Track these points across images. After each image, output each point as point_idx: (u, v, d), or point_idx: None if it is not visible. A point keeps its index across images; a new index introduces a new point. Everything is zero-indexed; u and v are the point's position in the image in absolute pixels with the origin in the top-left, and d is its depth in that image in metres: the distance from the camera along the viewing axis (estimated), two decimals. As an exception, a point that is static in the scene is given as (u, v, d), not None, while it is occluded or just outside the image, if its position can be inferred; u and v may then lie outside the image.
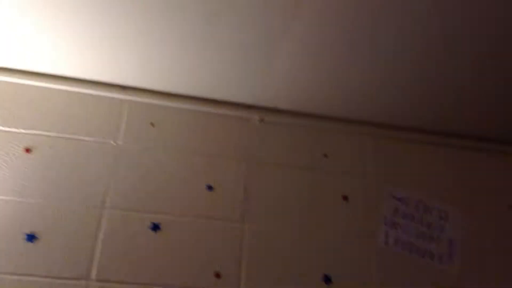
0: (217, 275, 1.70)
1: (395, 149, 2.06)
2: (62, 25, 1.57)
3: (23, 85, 1.83)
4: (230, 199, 1.83)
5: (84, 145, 1.80)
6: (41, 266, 1.60)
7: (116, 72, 1.82)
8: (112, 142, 1.83)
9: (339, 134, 2.04)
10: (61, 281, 1.59)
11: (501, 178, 2.10)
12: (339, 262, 1.81)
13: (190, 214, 1.78)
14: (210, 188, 1.83)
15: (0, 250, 1.59)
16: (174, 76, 1.83)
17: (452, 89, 1.80)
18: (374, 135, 2.06)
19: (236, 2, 1.43)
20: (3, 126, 1.77)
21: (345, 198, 1.92)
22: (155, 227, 1.73)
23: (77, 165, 1.76)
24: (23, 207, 1.66)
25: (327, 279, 1.77)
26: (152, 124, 1.89)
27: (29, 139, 1.76)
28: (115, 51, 1.69)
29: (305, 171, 1.95)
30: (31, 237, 1.62)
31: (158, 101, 1.92)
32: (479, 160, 2.11)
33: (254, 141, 1.95)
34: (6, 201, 1.66)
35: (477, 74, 1.71)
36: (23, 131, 1.78)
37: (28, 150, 1.75)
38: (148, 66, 1.77)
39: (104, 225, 1.70)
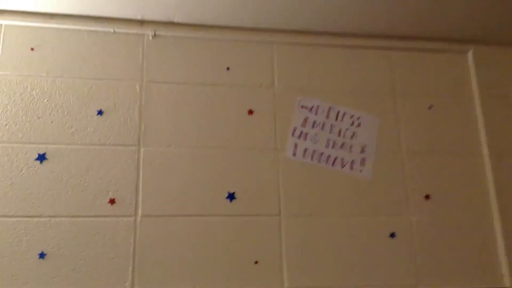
0: (112, 201, 1.63)
1: (303, 56, 1.91)
2: None
3: None
4: (124, 123, 1.72)
5: (-40, 78, 1.66)
6: None
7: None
8: (-12, 72, 1.69)
9: (241, 44, 1.88)
10: None
11: (422, 78, 1.97)
12: (244, 178, 1.73)
13: (79, 142, 1.67)
14: (100, 113, 1.71)
15: None
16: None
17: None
18: (279, 42, 1.89)
19: None
20: None
21: (250, 112, 1.81)
22: (41, 158, 1.63)
23: (-46, 100, 1.64)
24: None
25: (231, 196, 1.70)
26: (32, 49, 1.73)
27: None
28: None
29: (206, 87, 1.81)
30: None
31: (37, 23, 1.75)
32: (396, 61, 1.97)
33: (148, 59, 1.80)
34: None
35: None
36: None
37: None
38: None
39: (-13, 160, 1.60)
